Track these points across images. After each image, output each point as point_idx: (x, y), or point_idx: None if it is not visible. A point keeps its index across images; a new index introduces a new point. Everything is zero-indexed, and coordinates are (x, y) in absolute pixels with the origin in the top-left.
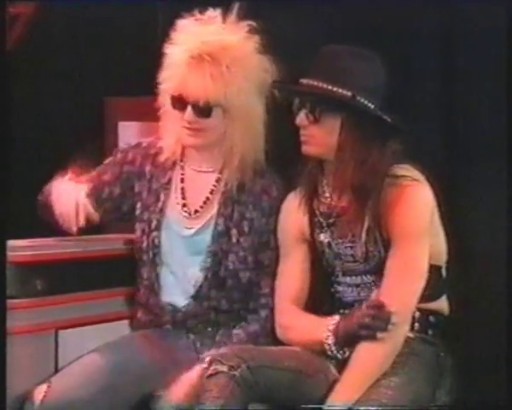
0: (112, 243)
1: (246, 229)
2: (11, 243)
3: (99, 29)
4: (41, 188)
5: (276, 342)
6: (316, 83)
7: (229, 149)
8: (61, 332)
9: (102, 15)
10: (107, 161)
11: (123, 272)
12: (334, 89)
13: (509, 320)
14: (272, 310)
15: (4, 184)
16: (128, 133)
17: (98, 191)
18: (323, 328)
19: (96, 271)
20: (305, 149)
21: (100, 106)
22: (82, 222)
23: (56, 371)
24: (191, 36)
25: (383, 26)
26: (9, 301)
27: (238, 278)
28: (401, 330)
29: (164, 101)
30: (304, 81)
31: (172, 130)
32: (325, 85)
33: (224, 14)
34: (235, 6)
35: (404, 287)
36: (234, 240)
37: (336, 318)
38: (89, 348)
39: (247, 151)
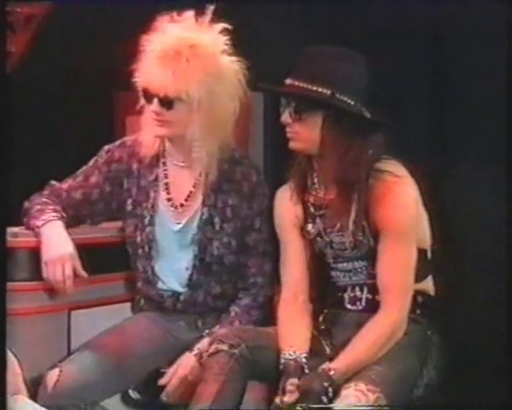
0: (120, 230)
1: (229, 215)
2: None
3: (108, 27)
4: (50, 179)
5: (269, 316)
6: (297, 83)
7: (191, 141)
8: (73, 313)
9: (111, 14)
10: (91, 163)
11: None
12: (314, 88)
13: (495, 298)
14: (261, 287)
15: (8, 175)
16: (135, 127)
17: (88, 195)
18: (286, 346)
19: (106, 256)
20: (292, 144)
21: (109, 101)
22: (70, 287)
23: (69, 348)
24: (164, 34)
25: (375, 24)
26: (25, 284)
27: (222, 262)
28: (401, 316)
29: (140, 95)
30: (287, 81)
31: (148, 123)
32: (305, 85)
33: (199, 16)
34: (210, 8)
35: (399, 286)
36: (217, 227)
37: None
38: (99, 327)
39: (211, 144)
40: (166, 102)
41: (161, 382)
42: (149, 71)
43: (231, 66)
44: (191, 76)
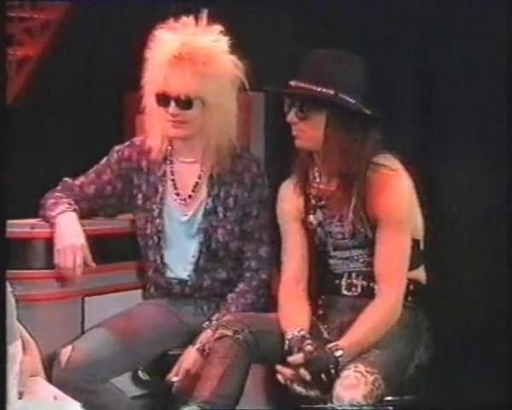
0: (130, 221)
1: (231, 204)
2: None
3: (119, 31)
4: (64, 174)
5: (265, 299)
6: (302, 84)
7: (207, 138)
8: (86, 299)
9: (121, 17)
10: (102, 162)
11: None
12: (319, 89)
13: (483, 285)
14: (255, 271)
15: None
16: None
17: (101, 191)
18: (289, 326)
19: (118, 246)
20: (297, 142)
21: (119, 101)
22: (79, 275)
23: (83, 332)
24: (170, 40)
25: (369, 26)
26: (42, 272)
27: (228, 248)
28: (398, 302)
29: (148, 100)
30: (292, 83)
31: (158, 126)
32: (310, 86)
33: (196, 20)
34: (204, 12)
35: (395, 273)
36: (221, 216)
37: (298, 332)
38: (111, 313)
39: (222, 139)
40: (186, 103)
41: (168, 377)
42: (164, 76)
43: (233, 65)
44: (208, 77)
